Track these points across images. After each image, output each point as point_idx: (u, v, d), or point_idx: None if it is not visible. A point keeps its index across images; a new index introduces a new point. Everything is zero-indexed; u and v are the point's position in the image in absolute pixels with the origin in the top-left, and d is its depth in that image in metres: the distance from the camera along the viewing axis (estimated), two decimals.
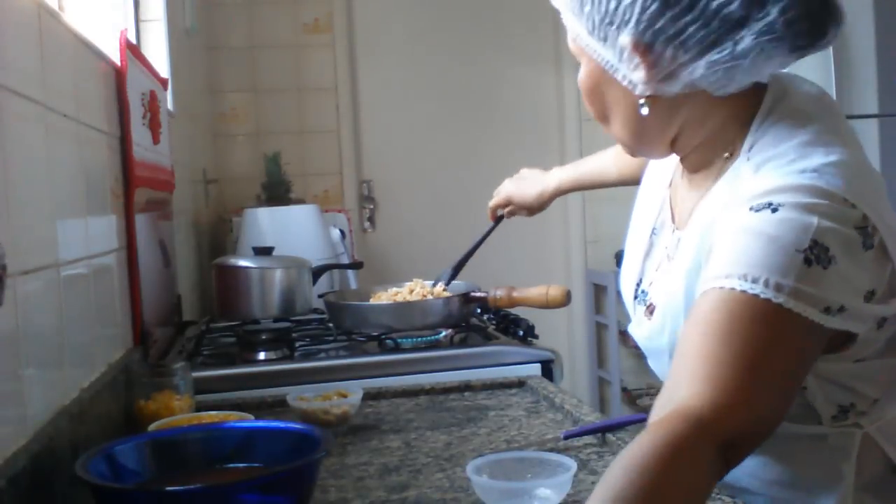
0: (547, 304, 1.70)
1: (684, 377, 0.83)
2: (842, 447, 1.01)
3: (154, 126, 1.76)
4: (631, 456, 0.76)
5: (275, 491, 0.87)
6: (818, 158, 0.91)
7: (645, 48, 0.92)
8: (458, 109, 3.91)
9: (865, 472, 1.01)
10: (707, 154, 1.02)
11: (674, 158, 1.11)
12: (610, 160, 1.59)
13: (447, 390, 1.60)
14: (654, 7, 0.90)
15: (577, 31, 0.99)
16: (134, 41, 2.16)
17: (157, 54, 2.35)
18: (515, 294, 1.74)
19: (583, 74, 1.04)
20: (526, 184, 1.75)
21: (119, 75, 1.51)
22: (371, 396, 1.55)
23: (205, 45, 3.51)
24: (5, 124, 0.92)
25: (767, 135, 0.96)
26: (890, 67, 3.09)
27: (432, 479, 1.12)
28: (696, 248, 1.00)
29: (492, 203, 1.82)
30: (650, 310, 1.10)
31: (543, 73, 4.01)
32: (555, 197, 1.72)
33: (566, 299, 1.70)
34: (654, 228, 1.15)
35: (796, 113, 0.96)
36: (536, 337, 1.80)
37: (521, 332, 1.79)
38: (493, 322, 1.96)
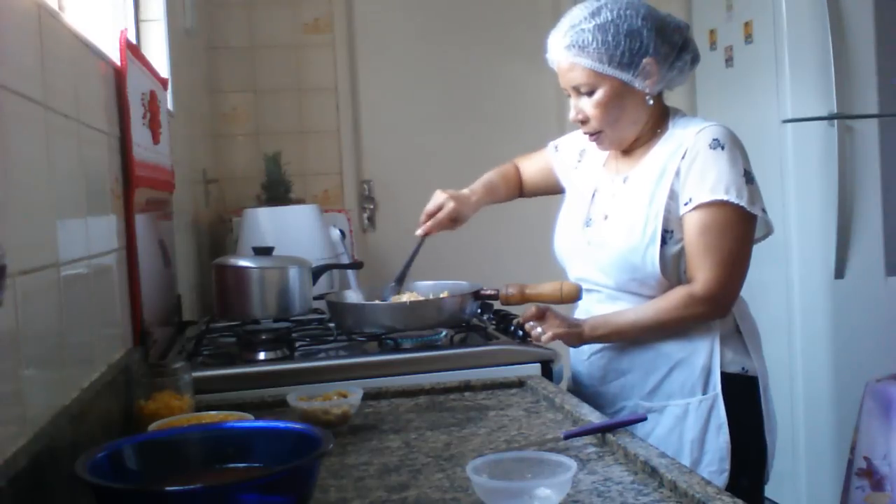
0: (561, 300, 1.68)
1: (694, 268, 1.60)
2: None
3: (154, 126, 1.76)
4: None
5: (275, 491, 0.87)
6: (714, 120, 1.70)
7: (656, 63, 1.63)
8: (459, 109, 3.90)
9: (724, 327, 1.65)
10: (647, 134, 1.71)
11: (591, 163, 1.82)
12: (498, 183, 1.98)
13: (447, 390, 1.60)
14: (658, 41, 1.63)
15: (601, 68, 1.60)
16: (134, 41, 2.16)
17: (157, 54, 2.35)
18: (528, 291, 1.70)
19: (603, 94, 1.63)
20: (461, 195, 1.89)
21: (119, 75, 1.51)
22: (371, 396, 1.55)
23: (205, 45, 3.51)
24: (5, 124, 0.92)
25: (680, 119, 1.70)
26: (890, 67, 3.09)
27: (432, 479, 1.12)
28: (658, 171, 1.64)
29: (430, 207, 1.91)
30: (605, 218, 1.68)
31: (543, 73, 3.94)
32: (477, 210, 1.93)
33: (580, 294, 1.69)
34: (594, 192, 1.75)
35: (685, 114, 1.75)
36: None
37: (521, 332, 1.79)
38: (493, 322, 1.96)
